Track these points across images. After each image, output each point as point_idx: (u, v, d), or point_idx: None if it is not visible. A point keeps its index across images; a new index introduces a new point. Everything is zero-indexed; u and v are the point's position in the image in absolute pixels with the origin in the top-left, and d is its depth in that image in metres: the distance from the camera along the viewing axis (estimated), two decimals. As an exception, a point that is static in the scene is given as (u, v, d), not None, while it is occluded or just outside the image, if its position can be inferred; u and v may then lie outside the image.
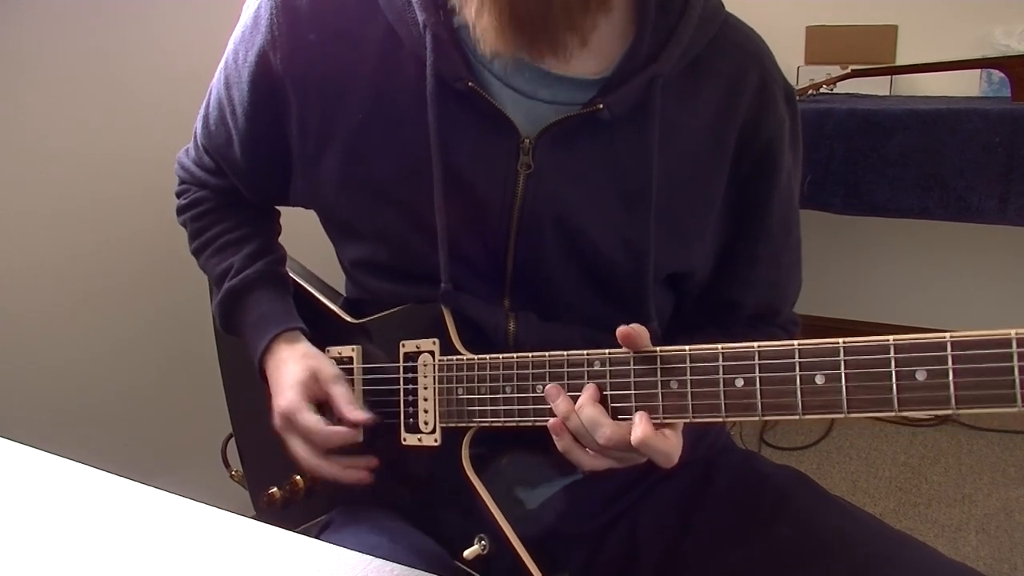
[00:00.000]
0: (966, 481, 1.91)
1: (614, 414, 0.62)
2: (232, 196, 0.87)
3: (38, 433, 0.73)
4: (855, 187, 1.68)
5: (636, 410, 0.61)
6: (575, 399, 0.63)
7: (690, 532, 0.76)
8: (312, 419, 0.75)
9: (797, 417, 0.55)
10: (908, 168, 1.62)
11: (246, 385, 0.90)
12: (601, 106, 0.68)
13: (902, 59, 2.33)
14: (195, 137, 0.88)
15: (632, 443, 0.60)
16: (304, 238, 0.93)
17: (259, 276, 0.83)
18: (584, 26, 0.65)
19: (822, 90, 1.96)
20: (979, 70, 2.14)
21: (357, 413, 0.75)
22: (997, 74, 2.09)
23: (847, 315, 2.72)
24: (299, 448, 0.76)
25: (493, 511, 0.69)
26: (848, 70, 1.91)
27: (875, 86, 2.16)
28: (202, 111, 0.86)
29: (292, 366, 0.78)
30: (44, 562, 0.52)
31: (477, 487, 0.70)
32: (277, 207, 0.92)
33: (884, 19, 2.34)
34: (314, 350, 0.80)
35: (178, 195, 0.92)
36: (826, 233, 2.34)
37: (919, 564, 0.68)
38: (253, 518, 0.58)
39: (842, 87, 1.96)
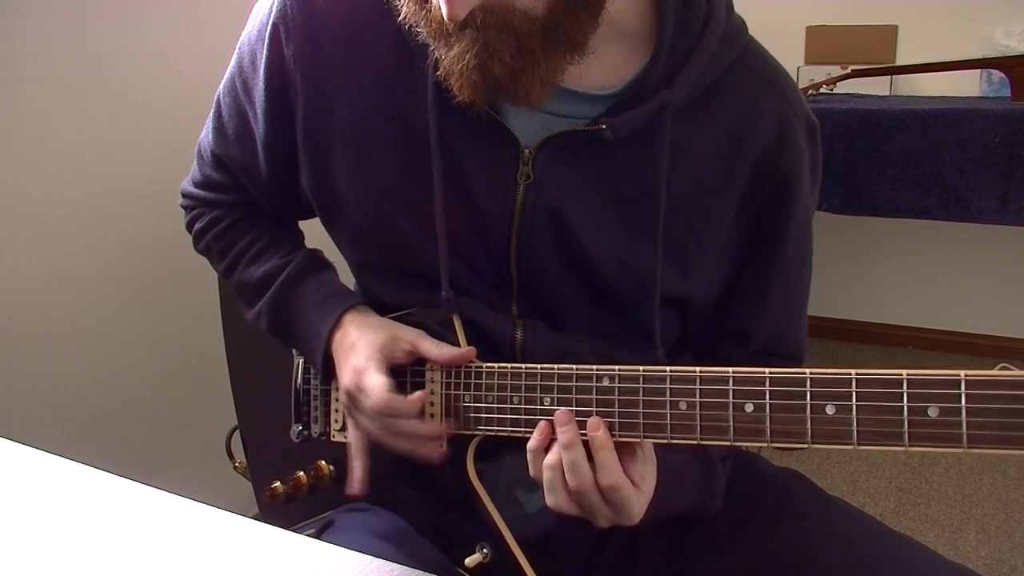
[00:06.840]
0: (966, 481, 1.92)
1: (621, 431, 0.61)
2: (249, 209, 0.85)
3: (38, 433, 0.74)
4: (855, 187, 1.68)
5: (644, 427, 0.60)
6: (580, 423, 0.62)
7: (690, 534, 0.76)
8: (402, 399, 0.68)
9: (805, 446, 0.54)
10: (908, 168, 1.62)
11: (255, 377, 0.90)
12: (604, 126, 0.67)
13: (902, 59, 2.34)
14: (203, 154, 0.85)
15: (592, 445, 0.60)
16: (308, 239, 0.93)
17: (310, 263, 0.80)
18: (551, 76, 0.63)
19: (822, 90, 1.96)
20: (979, 70, 2.15)
21: (458, 350, 0.69)
22: (997, 74, 2.09)
23: (846, 315, 2.72)
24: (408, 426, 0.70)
25: (496, 520, 0.69)
26: (848, 70, 1.91)
27: (875, 86, 2.16)
28: (211, 123, 0.83)
29: (371, 333, 0.72)
30: (44, 562, 0.52)
31: (482, 495, 0.69)
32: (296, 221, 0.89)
33: (884, 19, 2.35)
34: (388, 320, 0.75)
35: (190, 224, 0.88)
36: (826, 233, 2.33)
37: (919, 565, 0.68)
38: (255, 516, 0.58)
39: (842, 87, 1.96)
